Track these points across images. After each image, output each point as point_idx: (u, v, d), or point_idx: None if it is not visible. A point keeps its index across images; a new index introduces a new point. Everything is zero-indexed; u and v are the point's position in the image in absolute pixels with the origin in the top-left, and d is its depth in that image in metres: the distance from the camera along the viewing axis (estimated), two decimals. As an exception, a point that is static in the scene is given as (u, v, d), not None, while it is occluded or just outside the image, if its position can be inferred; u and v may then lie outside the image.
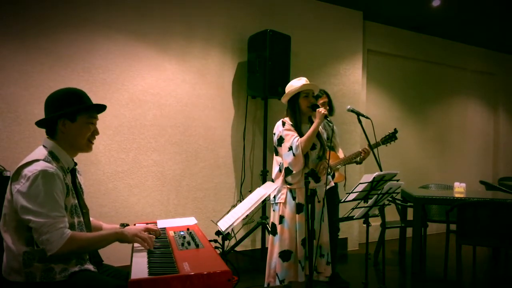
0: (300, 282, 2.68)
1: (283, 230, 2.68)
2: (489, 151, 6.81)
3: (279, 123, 2.77)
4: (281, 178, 2.73)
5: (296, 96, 2.75)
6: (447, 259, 3.92)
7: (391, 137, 3.41)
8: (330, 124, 3.62)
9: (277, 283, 2.66)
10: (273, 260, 2.71)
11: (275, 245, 2.71)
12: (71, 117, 1.71)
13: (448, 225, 3.78)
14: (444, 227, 3.93)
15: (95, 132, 1.80)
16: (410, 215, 4.13)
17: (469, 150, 6.51)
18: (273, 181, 2.82)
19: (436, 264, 4.25)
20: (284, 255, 2.66)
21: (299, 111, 2.76)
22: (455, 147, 6.33)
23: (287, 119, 2.78)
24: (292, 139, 2.65)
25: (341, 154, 3.61)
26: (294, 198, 2.69)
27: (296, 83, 2.76)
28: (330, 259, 2.79)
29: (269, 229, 2.82)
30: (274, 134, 2.78)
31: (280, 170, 2.75)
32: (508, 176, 6.40)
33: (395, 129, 3.41)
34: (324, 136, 3.48)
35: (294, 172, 2.64)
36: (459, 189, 4.10)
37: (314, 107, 2.73)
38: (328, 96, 3.60)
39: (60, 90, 1.77)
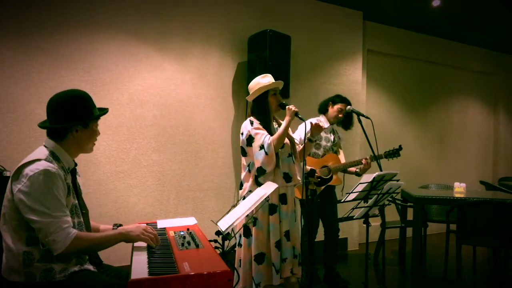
0: (276, 285, 2.60)
1: (257, 232, 2.59)
2: (489, 151, 6.81)
3: (247, 122, 2.65)
4: (251, 179, 2.63)
5: (265, 94, 2.66)
6: (447, 259, 3.92)
7: (394, 153, 3.40)
8: (336, 130, 3.63)
9: (253, 287, 2.56)
10: (249, 263, 2.61)
11: (250, 247, 2.61)
12: (85, 124, 1.74)
13: (448, 225, 3.78)
14: (444, 227, 3.93)
15: (98, 134, 1.85)
16: (410, 215, 4.13)
17: (469, 150, 6.51)
18: (242, 183, 2.71)
19: (436, 264, 4.25)
20: (259, 258, 2.57)
21: (268, 109, 2.68)
22: (455, 147, 6.33)
23: (254, 119, 2.68)
24: (263, 137, 2.55)
25: (341, 155, 3.60)
26: (267, 200, 2.64)
27: (263, 80, 2.66)
28: (301, 260, 2.73)
29: (242, 231, 2.69)
30: (242, 134, 2.66)
31: (249, 171, 2.65)
32: (508, 176, 6.39)
33: (400, 146, 3.42)
34: (331, 137, 3.49)
35: (267, 171, 2.55)
36: (459, 189, 4.10)
37: (282, 105, 2.66)
38: (348, 105, 3.46)
39: (65, 94, 1.75)
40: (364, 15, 4.99)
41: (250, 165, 2.65)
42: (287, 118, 2.58)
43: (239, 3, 4.10)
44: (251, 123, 2.63)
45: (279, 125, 2.71)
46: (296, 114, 2.58)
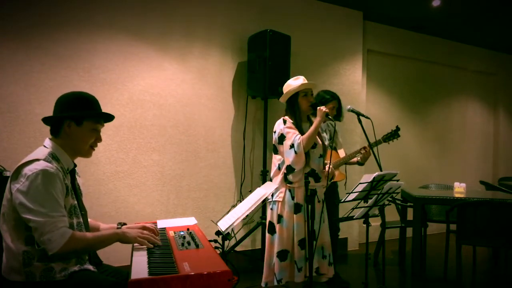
0: (298, 282, 2.67)
1: (281, 230, 2.67)
2: (489, 151, 6.81)
3: (280, 121, 2.75)
4: (280, 177, 2.71)
5: (295, 95, 2.75)
6: (447, 259, 3.92)
7: (393, 135, 3.38)
8: (332, 123, 3.63)
9: (275, 283, 2.65)
10: (272, 259, 2.70)
11: (273, 244, 2.70)
12: (78, 121, 1.73)
13: (448, 225, 3.78)
14: (444, 227, 3.93)
15: (98, 139, 1.82)
16: (410, 215, 4.13)
17: (469, 150, 6.51)
18: (271, 180, 2.80)
19: (436, 264, 4.25)
20: (282, 255, 2.65)
21: (299, 111, 2.76)
22: (455, 147, 6.33)
23: (287, 118, 2.77)
24: (294, 136, 2.64)
25: (342, 153, 3.61)
26: (292, 198, 2.68)
27: (294, 83, 2.76)
28: (332, 260, 2.79)
29: (267, 228, 2.79)
30: (275, 132, 2.76)
31: (279, 168, 2.73)
32: (508, 176, 6.39)
33: (397, 127, 3.39)
34: (326, 135, 3.50)
35: (296, 170, 2.62)
36: (459, 189, 4.10)
37: (315, 105, 2.74)
38: (339, 101, 3.53)
39: (72, 93, 1.79)
40: (364, 15, 4.99)
41: (281, 163, 2.73)
42: (317, 119, 2.65)
43: (239, 3, 4.10)
44: (284, 122, 2.73)
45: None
46: (326, 115, 2.66)
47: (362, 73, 5.06)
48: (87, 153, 1.81)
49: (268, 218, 2.77)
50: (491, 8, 4.80)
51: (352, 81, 4.91)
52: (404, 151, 5.68)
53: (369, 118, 3.17)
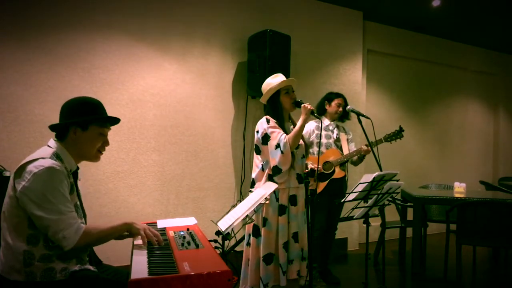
0: (283, 286, 2.59)
1: (266, 233, 2.58)
2: (489, 151, 6.81)
3: (263, 120, 2.64)
4: (264, 178, 2.61)
5: (276, 94, 2.65)
6: (447, 259, 3.92)
7: (396, 135, 3.38)
8: (344, 128, 3.65)
9: (261, 287, 2.57)
10: (257, 263, 2.61)
11: (258, 247, 2.61)
12: (83, 126, 1.73)
13: (448, 225, 3.78)
14: (444, 227, 3.93)
15: (106, 143, 1.82)
16: (410, 215, 4.13)
17: (469, 150, 6.51)
18: (254, 182, 2.68)
19: (436, 264, 4.25)
20: (267, 258, 2.58)
21: (281, 109, 2.67)
22: (455, 147, 6.33)
23: (270, 117, 2.66)
24: (279, 136, 2.54)
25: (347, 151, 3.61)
26: (277, 200, 2.59)
27: (274, 81, 2.65)
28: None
29: (251, 231, 2.68)
30: (257, 132, 2.64)
31: (262, 170, 2.63)
32: (508, 176, 6.39)
33: (400, 127, 3.39)
34: (333, 135, 3.51)
35: (283, 170, 2.53)
36: (459, 189, 4.10)
37: (298, 103, 2.63)
38: (345, 100, 3.59)
39: (77, 98, 1.79)
40: (364, 15, 4.99)
41: (264, 164, 2.63)
42: (302, 117, 2.56)
43: (239, 3, 4.10)
44: (268, 121, 2.61)
45: (294, 124, 2.69)
46: (312, 112, 2.57)
47: (362, 73, 5.06)
48: (95, 157, 1.81)
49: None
50: (491, 8, 4.80)
51: (352, 81, 4.91)
52: (404, 151, 5.68)
53: (369, 118, 3.17)
